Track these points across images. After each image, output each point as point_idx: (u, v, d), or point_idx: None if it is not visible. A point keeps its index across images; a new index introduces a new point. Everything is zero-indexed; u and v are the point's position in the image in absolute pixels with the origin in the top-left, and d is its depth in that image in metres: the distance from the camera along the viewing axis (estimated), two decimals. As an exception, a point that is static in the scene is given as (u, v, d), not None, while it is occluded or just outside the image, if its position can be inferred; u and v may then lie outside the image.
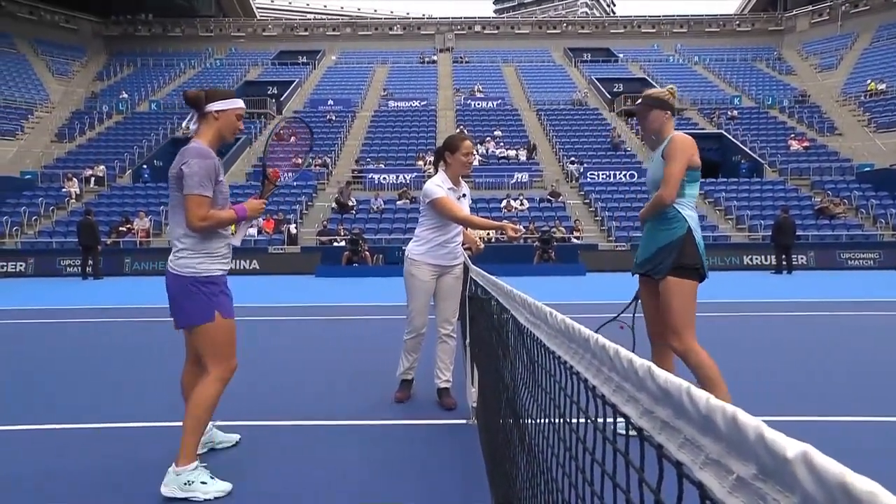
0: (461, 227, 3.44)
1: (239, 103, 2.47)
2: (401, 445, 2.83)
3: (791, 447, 0.31)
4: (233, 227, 2.43)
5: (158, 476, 2.29)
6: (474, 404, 3.06)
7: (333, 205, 20.36)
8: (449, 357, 3.48)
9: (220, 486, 2.22)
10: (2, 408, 3.47)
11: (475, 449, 2.73)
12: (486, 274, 1.98)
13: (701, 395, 0.38)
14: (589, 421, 0.63)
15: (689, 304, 2.64)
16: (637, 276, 2.92)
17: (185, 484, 2.16)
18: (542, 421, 0.90)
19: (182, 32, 39.16)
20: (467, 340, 3.13)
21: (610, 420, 0.55)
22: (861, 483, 0.27)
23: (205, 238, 2.31)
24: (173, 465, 2.21)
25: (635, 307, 2.95)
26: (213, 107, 2.40)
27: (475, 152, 24.60)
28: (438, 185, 3.32)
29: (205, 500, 2.16)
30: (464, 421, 3.13)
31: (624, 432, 0.47)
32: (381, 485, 2.36)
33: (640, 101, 2.88)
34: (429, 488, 2.32)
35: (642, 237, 2.87)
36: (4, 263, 16.12)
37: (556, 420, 0.81)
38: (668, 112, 2.80)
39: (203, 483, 2.19)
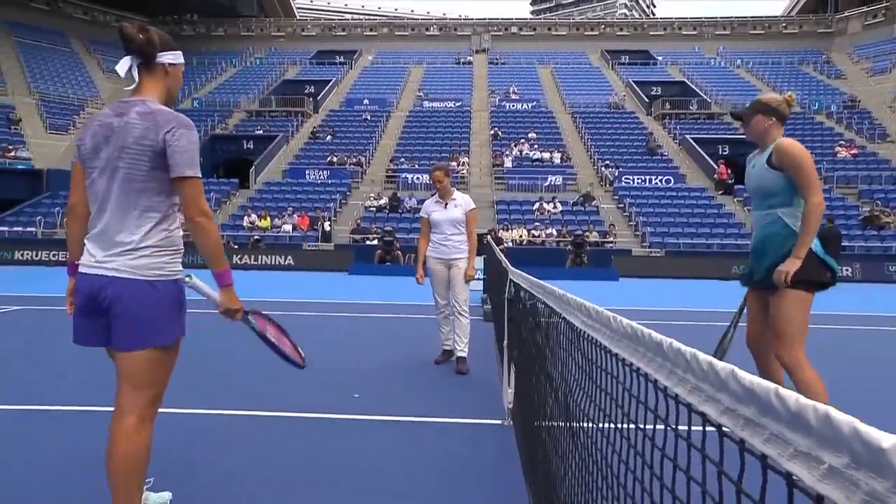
0: (456, 229, 4.42)
1: (182, 58, 1.91)
2: (437, 443, 2.89)
3: (886, 438, 0.33)
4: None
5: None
6: (510, 405, 3.09)
7: (382, 202, 20.72)
8: (462, 331, 4.34)
9: (163, 496, 2.00)
10: (36, 390, 3.68)
11: (511, 449, 2.76)
12: (532, 278, 2.02)
13: (790, 394, 0.40)
14: (658, 419, 0.67)
15: (803, 316, 2.54)
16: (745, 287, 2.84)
17: None
18: (601, 420, 0.94)
19: (224, 32, 40.28)
20: (504, 342, 3.17)
21: (675, 422, 0.59)
22: None
23: (174, 234, 1.79)
24: None
25: (737, 320, 2.86)
26: (166, 58, 1.81)
27: (510, 153, 24.53)
28: (424, 207, 4.59)
29: None
30: (499, 421, 3.16)
31: None
32: (418, 481, 2.42)
33: (749, 103, 2.82)
34: (466, 486, 2.37)
35: (754, 250, 2.74)
36: (56, 252, 16.91)
37: (619, 420, 0.84)
38: (774, 118, 2.69)
39: None
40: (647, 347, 0.67)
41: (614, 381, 0.85)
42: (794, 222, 2.57)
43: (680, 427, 0.63)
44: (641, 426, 0.73)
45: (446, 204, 4.45)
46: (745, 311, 2.86)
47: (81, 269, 1.77)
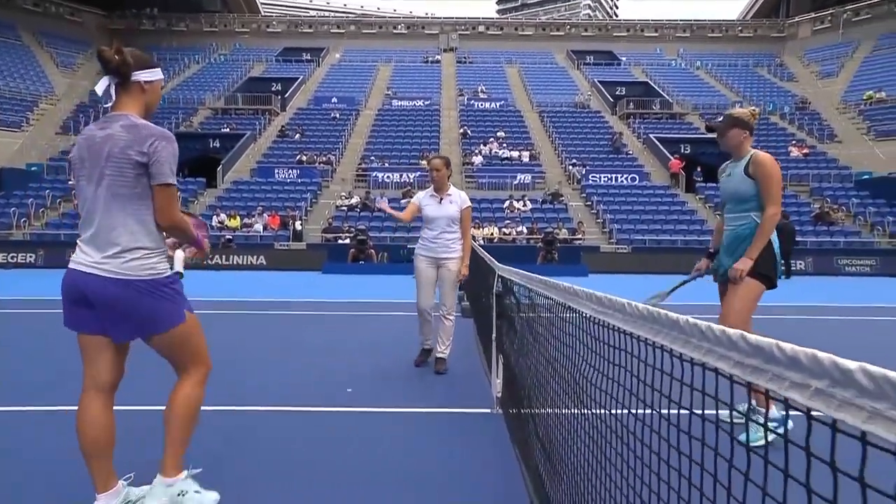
0: (450, 227, 4.24)
1: (161, 73, 2.06)
2: (431, 431, 3.04)
3: (852, 364, 0.50)
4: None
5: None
6: (499, 394, 3.27)
7: (353, 201, 20.63)
8: (446, 334, 4.29)
9: (211, 496, 2.09)
10: (19, 392, 3.68)
11: (502, 434, 2.94)
12: (527, 273, 2.19)
13: (787, 344, 0.57)
14: (674, 379, 0.84)
15: (750, 302, 2.92)
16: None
17: (179, 495, 2.00)
18: (617, 391, 1.11)
19: (187, 27, 39.28)
20: (493, 335, 3.34)
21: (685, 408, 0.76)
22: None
23: (160, 234, 1.97)
24: (159, 476, 2.00)
25: (677, 288, 3.30)
26: (142, 76, 1.94)
27: (479, 152, 24.75)
28: (417, 197, 4.42)
29: None
30: (488, 410, 3.34)
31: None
32: (416, 466, 2.57)
33: (723, 118, 3.14)
34: (464, 469, 2.54)
35: (724, 248, 3.10)
36: (15, 254, 16.28)
37: (636, 386, 1.02)
38: (747, 132, 3.02)
39: (197, 492, 2.04)
40: (663, 325, 0.84)
41: (629, 355, 1.03)
42: None
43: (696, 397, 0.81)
44: (658, 388, 0.90)
45: (441, 199, 4.28)
46: (687, 284, 3.30)
47: (74, 266, 1.91)
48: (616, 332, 1.07)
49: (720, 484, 0.74)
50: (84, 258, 1.89)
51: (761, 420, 2.69)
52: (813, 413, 0.54)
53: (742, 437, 0.86)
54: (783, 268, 15.21)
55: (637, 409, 1.05)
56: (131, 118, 1.90)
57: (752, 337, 0.61)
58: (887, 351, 5.33)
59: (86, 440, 1.95)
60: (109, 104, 1.93)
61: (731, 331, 0.66)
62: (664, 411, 0.92)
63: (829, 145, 26.03)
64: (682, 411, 0.86)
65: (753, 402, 2.54)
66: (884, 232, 19.28)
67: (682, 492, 0.86)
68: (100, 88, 1.93)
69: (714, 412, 0.75)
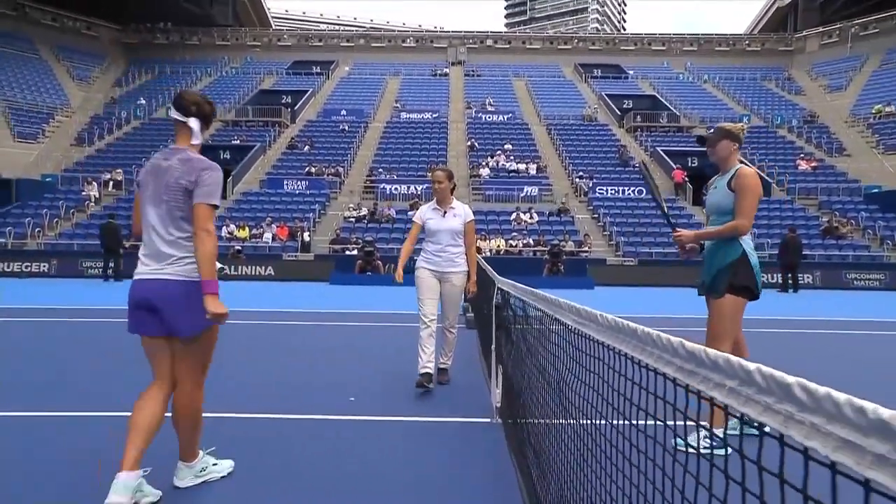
0: (454, 241, 4.19)
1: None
2: (432, 439, 3.10)
3: (751, 365, 0.57)
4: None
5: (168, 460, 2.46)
6: (498, 404, 3.33)
7: (362, 213, 20.82)
8: (449, 346, 4.36)
9: (227, 463, 2.57)
10: (30, 397, 3.79)
11: (501, 443, 3.00)
12: (522, 286, 2.28)
13: (712, 351, 0.66)
14: (633, 382, 0.93)
15: (735, 320, 2.97)
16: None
17: (200, 471, 2.43)
18: (588, 393, 1.19)
19: (199, 41, 39.98)
20: (492, 346, 3.41)
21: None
22: (816, 387, 0.50)
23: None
24: (180, 462, 2.40)
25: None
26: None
27: (486, 164, 24.90)
28: (419, 213, 4.33)
29: (220, 477, 2.49)
30: (488, 420, 3.40)
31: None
32: (416, 473, 2.64)
33: (713, 129, 3.20)
34: (463, 476, 2.60)
35: (704, 262, 3.14)
36: (29, 263, 16.57)
37: (603, 388, 1.10)
38: (736, 144, 3.09)
39: (214, 465, 2.50)
40: (626, 334, 0.93)
41: (599, 362, 1.11)
42: (743, 237, 2.98)
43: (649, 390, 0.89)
44: (621, 391, 0.98)
45: (444, 212, 4.20)
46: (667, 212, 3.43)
47: (137, 276, 2.27)
48: (592, 342, 1.15)
49: (676, 487, 0.82)
50: (145, 269, 2.25)
51: (703, 432, 2.63)
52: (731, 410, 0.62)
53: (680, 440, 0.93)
54: (791, 281, 15.14)
55: (614, 420, 1.13)
56: (188, 153, 2.30)
57: (689, 344, 0.69)
58: (893, 366, 5.33)
59: (133, 416, 2.23)
60: (198, 140, 2.34)
61: (674, 339, 0.74)
62: (637, 422, 0.99)
63: (838, 159, 25.94)
64: (649, 421, 0.94)
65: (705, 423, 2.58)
66: (893, 246, 19.14)
67: (647, 494, 0.94)
68: (194, 124, 2.34)
69: (689, 422, 0.83)
